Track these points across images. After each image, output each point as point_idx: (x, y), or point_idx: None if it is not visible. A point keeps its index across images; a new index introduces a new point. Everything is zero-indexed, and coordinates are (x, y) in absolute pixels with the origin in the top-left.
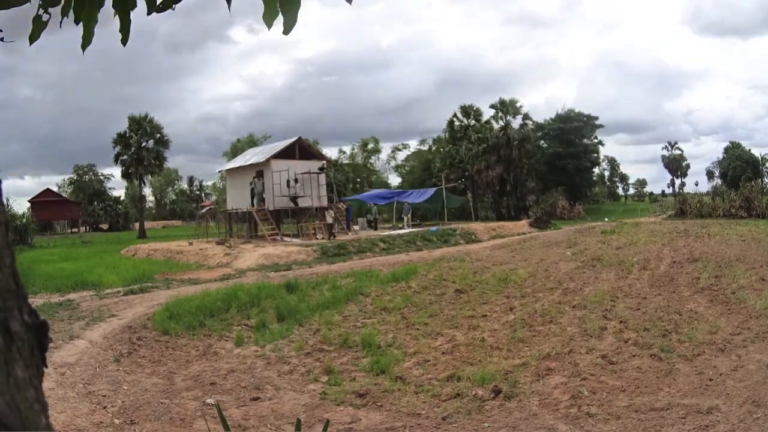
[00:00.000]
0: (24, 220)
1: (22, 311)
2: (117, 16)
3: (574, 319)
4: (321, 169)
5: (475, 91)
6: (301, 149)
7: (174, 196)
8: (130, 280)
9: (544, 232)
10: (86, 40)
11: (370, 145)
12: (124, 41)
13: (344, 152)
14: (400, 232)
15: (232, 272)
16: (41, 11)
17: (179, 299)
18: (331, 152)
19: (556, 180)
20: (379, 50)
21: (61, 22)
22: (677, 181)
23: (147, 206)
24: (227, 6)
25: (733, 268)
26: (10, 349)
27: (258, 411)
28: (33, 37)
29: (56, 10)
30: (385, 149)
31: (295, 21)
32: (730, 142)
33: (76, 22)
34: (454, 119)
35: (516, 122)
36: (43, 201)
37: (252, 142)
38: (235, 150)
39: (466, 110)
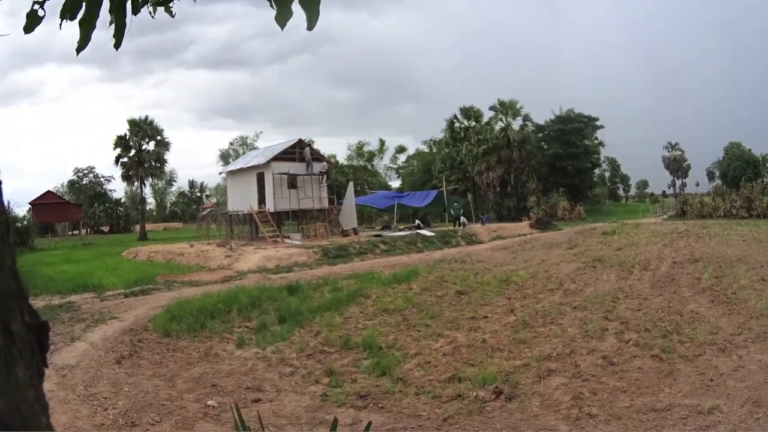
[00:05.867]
0: (25, 222)
1: (23, 312)
2: (112, 15)
3: (575, 320)
4: (321, 173)
5: None
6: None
7: (174, 198)
8: (131, 282)
9: (545, 233)
10: (82, 43)
11: (367, 148)
12: (117, 45)
13: (335, 156)
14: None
15: (233, 274)
16: (36, 6)
17: (180, 301)
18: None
19: (556, 181)
20: None
21: (60, 24)
22: (678, 182)
23: (147, 208)
24: None
25: (734, 268)
26: (11, 350)
27: (259, 412)
28: (27, 29)
29: (56, 10)
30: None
31: (318, 15)
32: (730, 142)
33: (71, 19)
34: (455, 120)
35: (516, 123)
36: (43, 203)
37: (243, 143)
38: (230, 153)
39: (467, 111)
